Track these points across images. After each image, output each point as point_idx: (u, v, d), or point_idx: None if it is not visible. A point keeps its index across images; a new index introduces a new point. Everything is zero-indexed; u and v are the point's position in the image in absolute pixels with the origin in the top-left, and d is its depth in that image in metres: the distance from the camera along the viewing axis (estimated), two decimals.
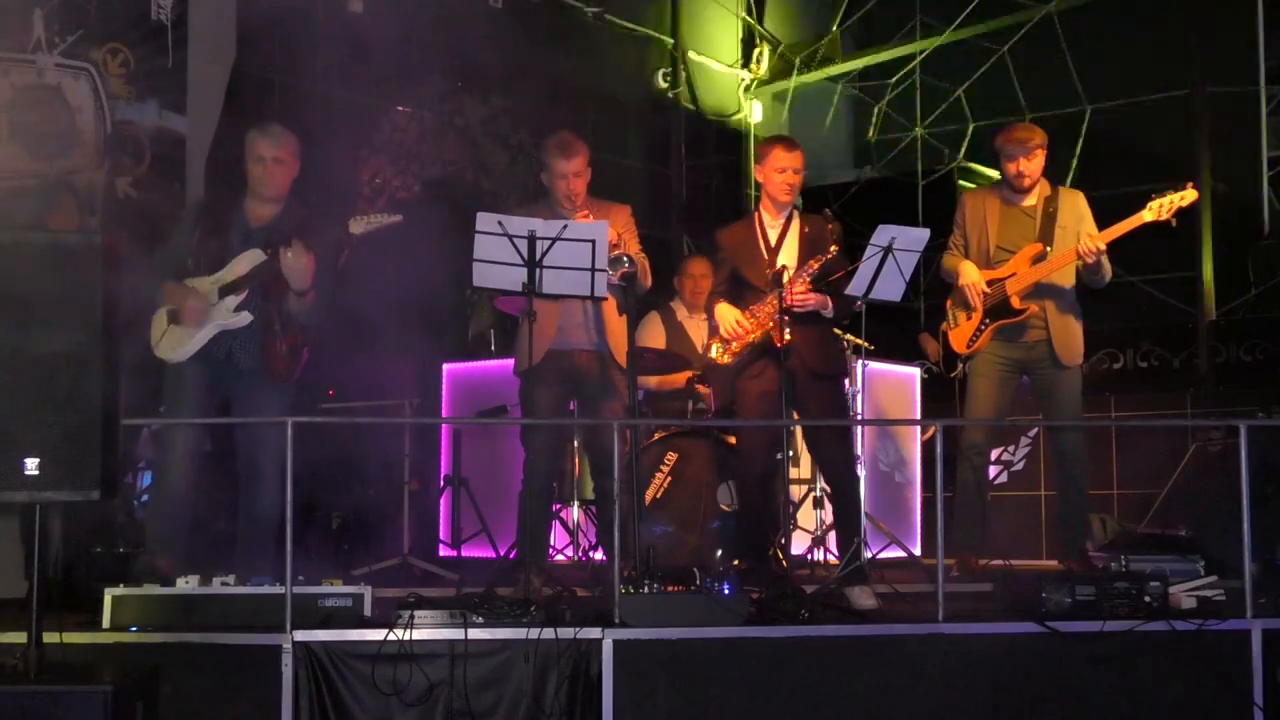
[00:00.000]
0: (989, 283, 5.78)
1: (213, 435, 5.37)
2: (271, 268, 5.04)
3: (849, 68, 10.18)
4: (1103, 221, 5.75)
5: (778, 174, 5.30)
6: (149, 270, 5.21)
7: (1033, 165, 5.82)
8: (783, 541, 5.76)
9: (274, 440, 4.81)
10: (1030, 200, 5.87)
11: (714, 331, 5.38)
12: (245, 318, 5.09)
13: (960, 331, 5.83)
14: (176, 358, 5.12)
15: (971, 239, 5.87)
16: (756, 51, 10.26)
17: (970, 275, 5.78)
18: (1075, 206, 5.86)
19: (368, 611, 4.52)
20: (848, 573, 5.09)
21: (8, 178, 6.35)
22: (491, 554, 6.40)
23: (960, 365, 5.80)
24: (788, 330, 5.05)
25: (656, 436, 6.10)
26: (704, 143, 10.21)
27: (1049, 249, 5.73)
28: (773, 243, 5.33)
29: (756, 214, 5.46)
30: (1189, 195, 5.50)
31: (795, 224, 5.37)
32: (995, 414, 5.84)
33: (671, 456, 6.06)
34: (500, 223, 4.78)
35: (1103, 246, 5.57)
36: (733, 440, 6.38)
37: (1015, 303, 5.75)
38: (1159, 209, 5.50)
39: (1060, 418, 5.85)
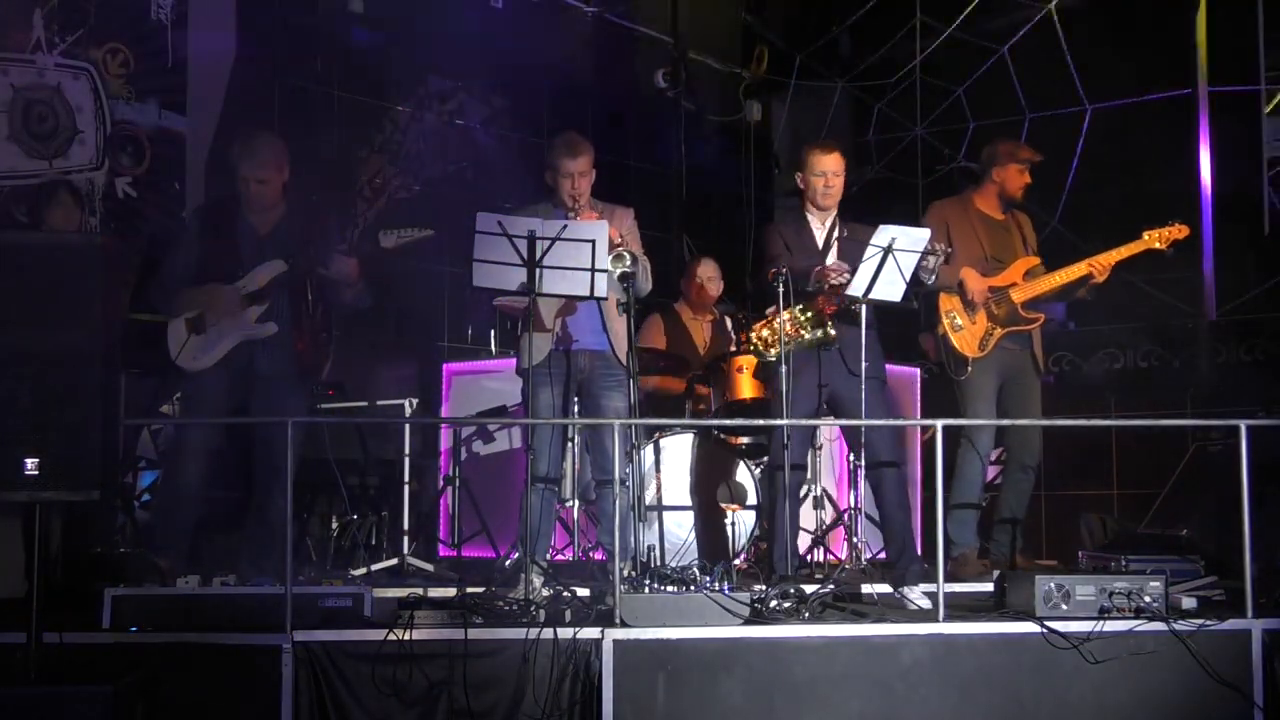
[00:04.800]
0: (990, 290, 5.84)
1: (224, 437, 5.38)
2: (293, 276, 5.10)
3: (849, 67, 10.17)
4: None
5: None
6: (159, 281, 5.26)
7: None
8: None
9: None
10: (1001, 215, 6.04)
11: None
12: (271, 328, 5.16)
13: (968, 335, 5.83)
14: (198, 366, 5.16)
15: (960, 248, 5.86)
16: (756, 51, 10.23)
17: (977, 282, 5.81)
18: (1028, 223, 6.13)
19: (368, 611, 4.53)
20: (901, 573, 5.15)
21: (8, 177, 6.35)
22: (491, 554, 6.40)
23: (970, 368, 5.82)
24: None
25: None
26: (704, 143, 10.20)
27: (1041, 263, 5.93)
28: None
29: None
30: (1183, 230, 5.81)
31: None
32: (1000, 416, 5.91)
33: None
34: (500, 223, 4.78)
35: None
36: (734, 440, 6.38)
37: (1023, 312, 5.85)
38: (1157, 238, 5.78)
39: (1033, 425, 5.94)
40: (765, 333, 5.19)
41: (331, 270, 5.18)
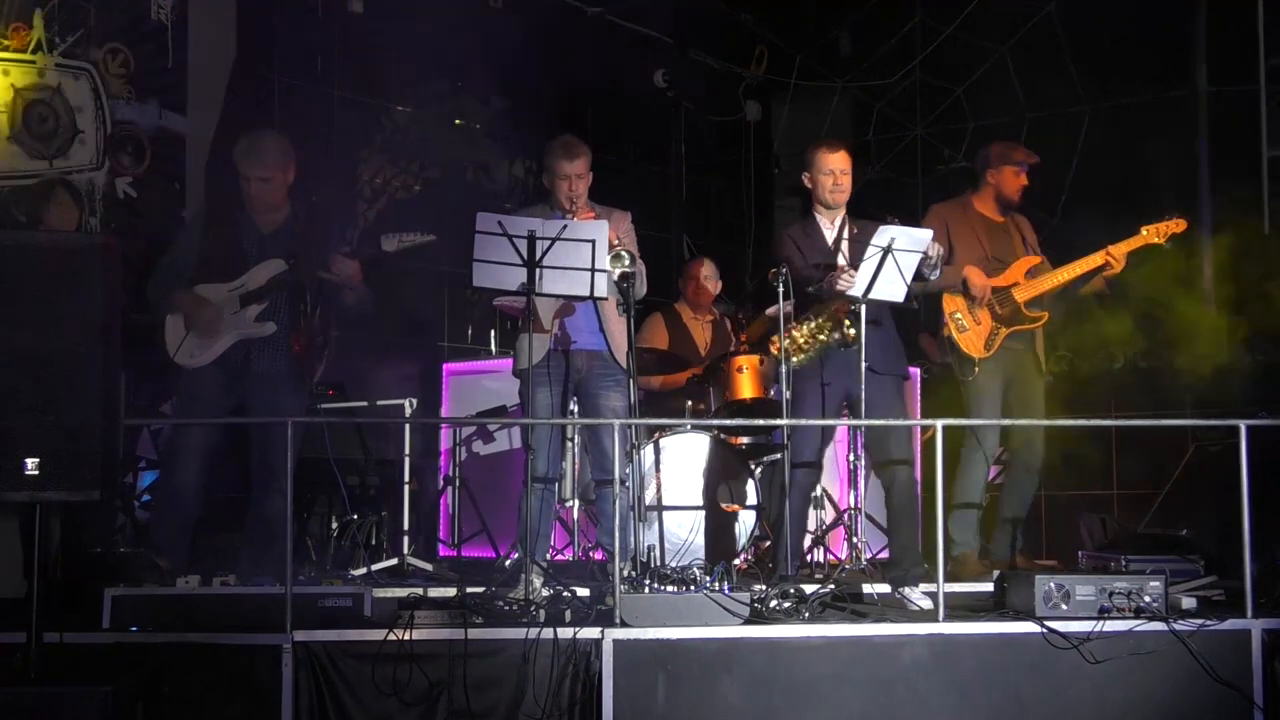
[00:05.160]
0: (993, 290, 5.84)
1: (221, 435, 5.38)
2: (293, 277, 5.09)
3: (849, 67, 10.17)
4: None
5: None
6: (156, 277, 5.25)
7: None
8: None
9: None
10: (1000, 217, 6.05)
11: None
12: (270, 327, 5.15)
13: (973, 336, 5.83)
14: (195, 363, 5.15)
15: (961, 249, 5.86)
16: (756, 51, 10.23)
17: (981, 278, 5.81)
18: (1028, 224, 6.15)
19: (368, 611, 4.53)
20: (902, 574, 5.17)
21: (8, 177, 6.35)
22: (491, 554, 6.40)
23: (977, 368, 5.82)
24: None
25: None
26: (704, 143, 10.20)
27: (1044, 261, 5.94)
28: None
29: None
30: (1180, 224, 5.83)
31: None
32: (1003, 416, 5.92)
33: None
34: (500, 223, 4.78)
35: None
36: (735, 440, 6.38)
37: (1027, 311, 5.86)
38: (1155, 232, 5.80)
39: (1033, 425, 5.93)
40: (785, 343, 5.18)
41: (333, 272, 5.17)
